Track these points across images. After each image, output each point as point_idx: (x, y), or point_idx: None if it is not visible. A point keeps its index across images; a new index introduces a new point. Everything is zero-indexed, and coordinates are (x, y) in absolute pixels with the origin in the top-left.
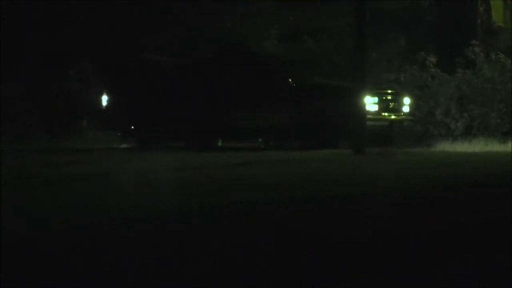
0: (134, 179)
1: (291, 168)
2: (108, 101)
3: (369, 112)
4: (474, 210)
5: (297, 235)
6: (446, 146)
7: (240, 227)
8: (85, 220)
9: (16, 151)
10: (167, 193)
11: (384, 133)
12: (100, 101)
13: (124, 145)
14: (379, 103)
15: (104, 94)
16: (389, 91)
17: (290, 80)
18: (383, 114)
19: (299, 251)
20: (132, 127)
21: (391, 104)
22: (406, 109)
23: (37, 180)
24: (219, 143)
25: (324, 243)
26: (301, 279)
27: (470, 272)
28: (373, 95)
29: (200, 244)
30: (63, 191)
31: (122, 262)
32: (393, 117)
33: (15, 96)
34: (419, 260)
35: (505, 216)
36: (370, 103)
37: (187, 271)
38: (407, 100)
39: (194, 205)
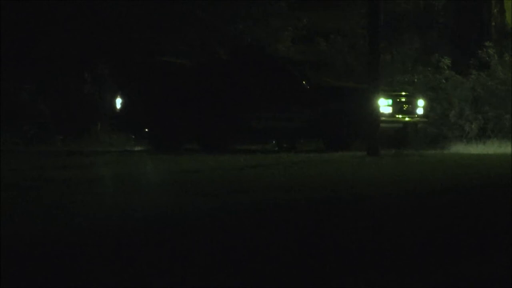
0: (151, 181)
1: (307, 170)
2: (122, 103)
3: (383, 114)
4: (493, 211)
5: (314, 233)
6: (460, 148)
7: (261, 225)
8: (106, 221)
9: (30, 154)
10: (184, 195)
11: (399, 135)
12: (115, 103)
13: (138, 148)
14: (393, 105)
15: (118, 96)
16: (403, 93)
17: (304, 82)
18: (397, 116)
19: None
20: (146, 130)
21: (405, 106)
22: (420, 111)
23: (52, 183)
24: (233, 145)
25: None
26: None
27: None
28: (387, 97)
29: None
30: (81, 193)
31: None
32: (407, 119)
33: (29, 98)
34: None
35: None
36: (384, 105)
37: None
38: (421, 102)
39: (215, 204)
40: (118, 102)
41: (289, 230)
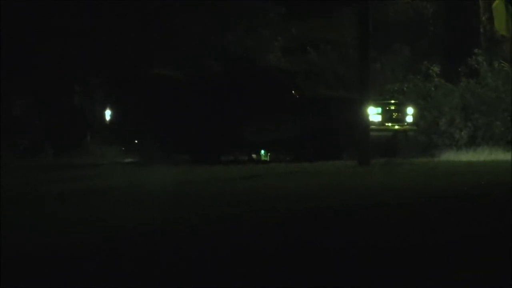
0: (143, 194)
1: (298, 180)
2: (112, 115)
3: (373, 123)
4: (479, 220)
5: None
6: (451, 156)
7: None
8: (96, 235)
9: (22, 167)
10: (178, 206)
11: (389, 143)
12: (104, 115)
13: (128, 160)
14: (382, 113)
15: (108, 108)
16: (393, 102)
17: (294, 92)
18: (386, 124)
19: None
20: (136, 141)
21: (395, 115)
22: (410, 119)
23: (47, 197)
24: (225, 157)
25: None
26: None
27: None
28: (377, 105)
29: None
30: (75, 206)
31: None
32: (396, 127)
33: (21, 112)
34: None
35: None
36: (374, 113)
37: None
38: (410, 110)
39: (211, 215)
40: (108, 114)
41: (286, 237)
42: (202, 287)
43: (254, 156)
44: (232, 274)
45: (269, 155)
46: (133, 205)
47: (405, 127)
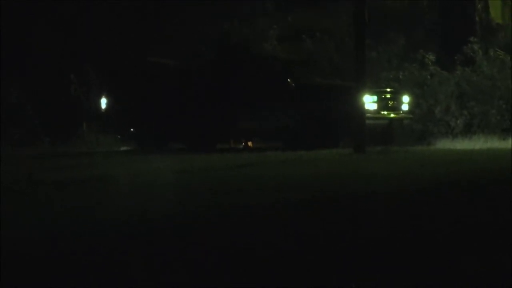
0: (140, 183)
1: (295, 169)
2: (107, 104)
3: (368, 111)
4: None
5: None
6: (447, 144)
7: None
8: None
9: (18, 156)
10: (174, 195)
11: (385, 131)
12: (100, 104)
13: (124, 148)
14: (378, 101)
15: (104, 97)
16: (388, 90)
17: (290, 80)
18: (382, 112)
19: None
20: (132, 130)
21: (391, 103)
22: (405, 107)
23: (43, 185)
24: (220, 145)
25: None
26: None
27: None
28: (372, 94)
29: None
30: (72, 194)
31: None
32: (392, 115)
33: (16, 101)
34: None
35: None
36: (370, 102)
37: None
38: (406, 99)
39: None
40: (104, 102)
41: (286, 229)
42: (199, 279)
43: (250, 144)
44: (228, 265)
45: (265, 143)
46: (128, 195)
47: (400, 115)
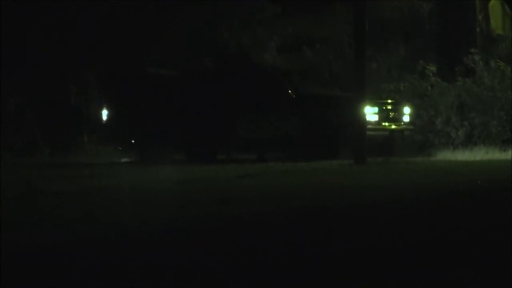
0: (139, 193)
1: (295, 180)
2: (108, 114)
3: (369, 122)
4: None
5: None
6: (447, 155)
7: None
8: (92, 233)
9: (18, 166)
10: (175, 205)
11: (385, 142)
12: (101, 115)
13: (125, 159)
14: (379, 113)
15: (105, 108)
16: (389, 101)
17: (290, 91)
18: (383, 123)
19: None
20: (132, 141)
21: (391, 114)
22: (406, 118)
23: (43, 195)
24: (221, 155)
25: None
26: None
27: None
28: (373, 105)
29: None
30: (72, 204)
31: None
32: (393, 126)
33: (16, 110)
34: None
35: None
36: (370, 113)
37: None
38: (407, 110)
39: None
40: (104, 113)
41: (286, 235)
42: (201, 285)
43: (250, 155)
44: (230, 272)
45: (265, 154)
46: (129, 204)
47: (401, 126)
